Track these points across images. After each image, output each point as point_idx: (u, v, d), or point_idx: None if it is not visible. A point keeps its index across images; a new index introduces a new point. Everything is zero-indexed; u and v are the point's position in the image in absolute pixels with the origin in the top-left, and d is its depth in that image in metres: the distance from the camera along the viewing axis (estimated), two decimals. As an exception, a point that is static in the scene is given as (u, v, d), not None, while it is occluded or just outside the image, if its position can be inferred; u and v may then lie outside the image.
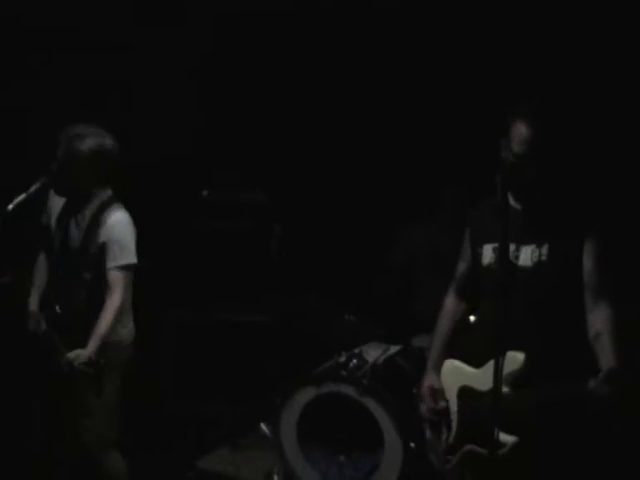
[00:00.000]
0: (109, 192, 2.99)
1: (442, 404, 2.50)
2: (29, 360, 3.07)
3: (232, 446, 4.09)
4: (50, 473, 3.20)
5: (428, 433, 2.58)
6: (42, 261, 3.10)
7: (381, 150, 4.35)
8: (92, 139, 2.85)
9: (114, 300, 2.89)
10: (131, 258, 2.94)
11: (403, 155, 4.27)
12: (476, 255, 2.46)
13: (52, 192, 3.02)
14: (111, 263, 2.91)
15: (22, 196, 2.76)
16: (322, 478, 3.48)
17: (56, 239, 2.99)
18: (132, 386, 3.12)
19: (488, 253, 2.40)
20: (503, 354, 2.03)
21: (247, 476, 3.81)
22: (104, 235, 2.91)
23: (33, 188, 2.80)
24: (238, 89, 4.61)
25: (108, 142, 2.91)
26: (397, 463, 3.27)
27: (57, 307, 2.97)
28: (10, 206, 2.72)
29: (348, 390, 3.36)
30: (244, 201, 4.72)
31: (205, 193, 4.75)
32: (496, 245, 2.30)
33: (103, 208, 2.95)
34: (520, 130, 2.19)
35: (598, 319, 2.23)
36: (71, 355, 2.77)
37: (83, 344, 2.82)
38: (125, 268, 2.93)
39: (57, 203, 3.03)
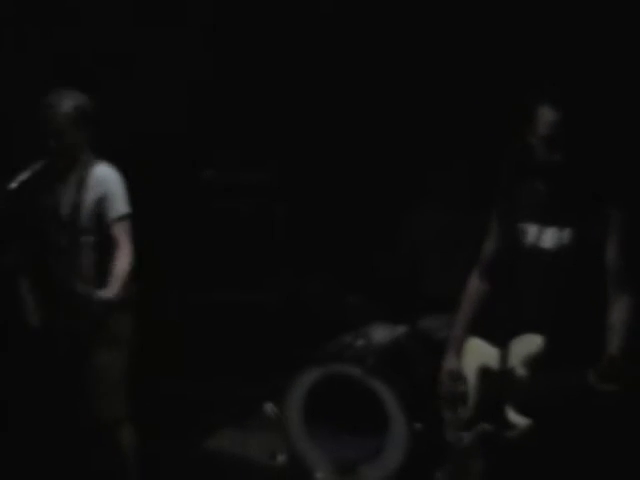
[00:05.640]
0: (91, 154, 2.95)
1: (461, 388, 2.46)
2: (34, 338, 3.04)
3: (237, 426, 4.10)
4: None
5: (446, 413, 2.52)
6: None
7: (387, 129, 4.30)
8: (72, 100, 2.83)
9: (127, 250, 2.87)
10: (128, 208, 2.93)
11: (409, 134, 4.23)
12: (516, 233, 2.34)
13: None
14: (113, 215, 2.89)
15: (25, 173, 2.72)
16: (327, 458, 3.48)
17: (46, 210, 2.92)
18: (138, 367, 3.12)
19: (534, 232, 2.32)
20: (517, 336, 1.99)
21: (252, 456, 3.81)
22: (97, 191, 2.88)
23: (37, 165, 2.76)
24: (240, 68, 4.56)
25: (87, 103, 2.88)
26: (402, 444, 3.26)
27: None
28: (13, 184, 2.67)
29: (354, 371, 3.35)
30: (247, 182, 4.69)
31: (207, 174, 4.72)
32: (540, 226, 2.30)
33: (88, 167, 2.91)
34: (546, 114, 2.19)
35: (617, 308, 2.18)
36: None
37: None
38: (128, 217, 2.92)
39: None
